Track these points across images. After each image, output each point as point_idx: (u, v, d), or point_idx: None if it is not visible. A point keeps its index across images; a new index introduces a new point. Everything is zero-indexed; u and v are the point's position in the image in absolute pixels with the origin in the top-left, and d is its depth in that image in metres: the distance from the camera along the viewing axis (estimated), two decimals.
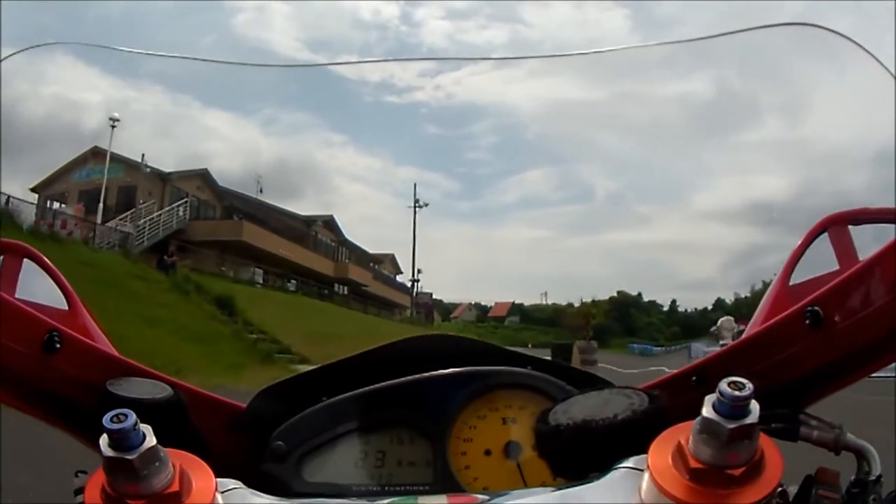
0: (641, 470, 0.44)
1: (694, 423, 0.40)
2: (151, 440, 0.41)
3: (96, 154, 23.57)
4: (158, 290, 15.02)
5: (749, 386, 0.38)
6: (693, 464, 0.40)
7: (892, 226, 0.63)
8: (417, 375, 0.71)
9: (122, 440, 0.40)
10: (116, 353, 0.64)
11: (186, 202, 25.03)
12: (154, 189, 25.02)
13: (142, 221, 22.65)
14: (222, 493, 0.45)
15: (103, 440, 0.40)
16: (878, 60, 0.59)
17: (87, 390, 0.58)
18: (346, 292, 33.27)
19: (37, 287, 0.68)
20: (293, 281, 27.29)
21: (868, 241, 0.64)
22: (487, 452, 0.69)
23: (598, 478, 0.46)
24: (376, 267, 39.92)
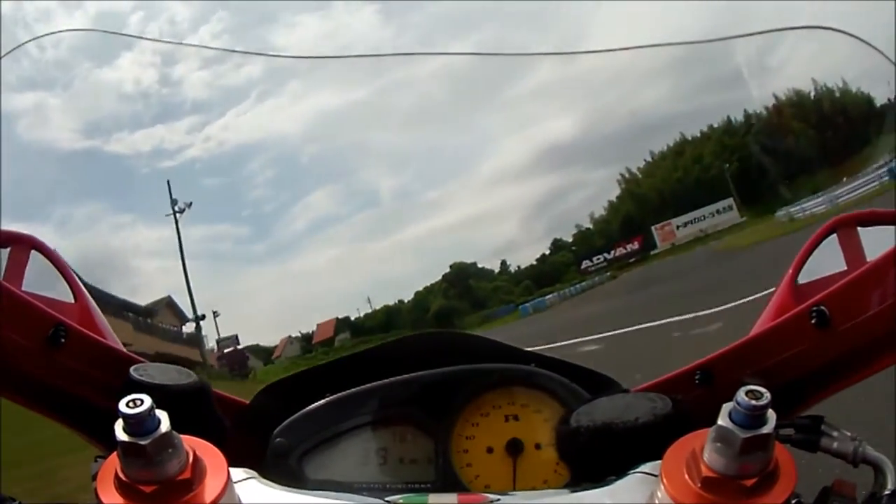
0: (656, 476, 0.44)
1: (710, 431, 0.41)
2: (166, 426, 0.41)
3: None
4: None
5: (766, 395, 0.39)
6: (705, 472, 0.40)
7: None
8: (420, 373, 0.72)
9: (137, 425, 0.40)
10: (122, 348, 0.63)
11: None
12: None
13: None
14: (236, 482, 0.45)
15: (118, 425, 0.40)
16: (886, 57, 0.61)
17: (92, 385, 0.58)
18: None
19: (44, 280, 0.67)
20: None
21: (878, 244, 0.63)
22: (489, 450, 0.70)
23: (613, 481, 0.46)
24: (148, 321, 30.60)
